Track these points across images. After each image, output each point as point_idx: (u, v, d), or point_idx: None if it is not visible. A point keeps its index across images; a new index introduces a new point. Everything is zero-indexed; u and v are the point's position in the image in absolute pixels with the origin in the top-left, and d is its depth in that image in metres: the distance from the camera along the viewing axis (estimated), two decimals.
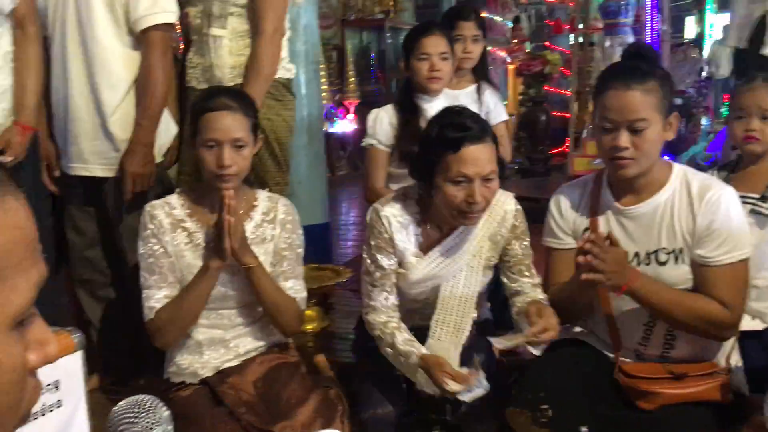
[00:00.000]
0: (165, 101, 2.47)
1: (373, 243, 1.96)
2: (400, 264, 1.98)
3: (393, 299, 1.98)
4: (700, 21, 7.95)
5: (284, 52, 2.56)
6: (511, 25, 7.40)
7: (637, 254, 1.85)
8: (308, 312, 2.82)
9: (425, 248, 1.98)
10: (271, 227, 1.98)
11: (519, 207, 2.04)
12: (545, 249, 2.05)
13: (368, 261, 1.98)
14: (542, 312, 1.81)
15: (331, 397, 1.89)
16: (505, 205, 2.01)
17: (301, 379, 1.96)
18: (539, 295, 1.98)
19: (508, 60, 7.41)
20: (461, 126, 1.81)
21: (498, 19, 6.67)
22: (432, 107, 2.58)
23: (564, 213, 2.00)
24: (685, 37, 9.54)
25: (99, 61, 2.41)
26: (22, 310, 0.61)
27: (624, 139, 1.75)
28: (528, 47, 8.74)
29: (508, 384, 2.05)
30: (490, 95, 2.92)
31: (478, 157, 1.80)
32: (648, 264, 1.84)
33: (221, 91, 2.00)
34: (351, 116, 8.74)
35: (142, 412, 1.36)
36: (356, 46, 9.54)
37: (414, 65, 2.61)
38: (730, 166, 2.29)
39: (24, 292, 0.61)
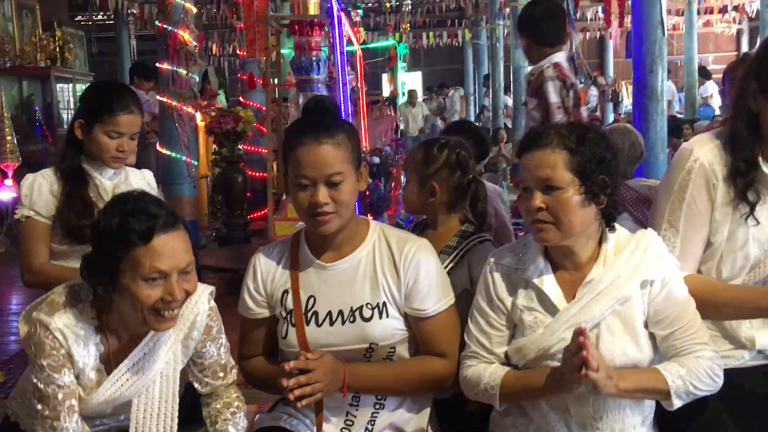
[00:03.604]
0: None
1: (45, 363, 1.90)
2: (78, 382, 1.97)
3: (82, 425, 1.97)
4: (393, 79, 9.48)
5: None
6: (197, 78, 8.12)
7: (341, 312, 2.11)
8: None
9: (105, 359, 2.01)
10: None
11: (213, 304, 2.16)
12: (240, 319, 2.27)
13: (41, 386, 1.90)
14: None
15: None
16: (198, 305, 2.10)
17: None
18: (235, 401, 2.20)
19: (198, 117, 8.08)
20: (147, 213, 1.85)
21: (182, 72, 7.43)
22: (103, 175, 2.80)
23: (261, 276, 2.20)
24: (383, 94, 11.04)
25: None
26: None
27: (323, 194, 2.01)
28: (223, 102, 9.39)
29: None
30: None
31: (173, 248, 1.86)
32: (353, 321, 2.10)
33: None
34: (9, 182, 8.76)
35: None
36: (14, 98, 9.71)
37: (98, 138, 2.69)
38: (420, 227, 2.64)
39: None
